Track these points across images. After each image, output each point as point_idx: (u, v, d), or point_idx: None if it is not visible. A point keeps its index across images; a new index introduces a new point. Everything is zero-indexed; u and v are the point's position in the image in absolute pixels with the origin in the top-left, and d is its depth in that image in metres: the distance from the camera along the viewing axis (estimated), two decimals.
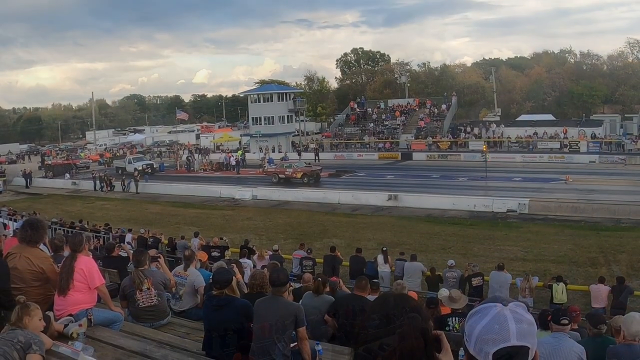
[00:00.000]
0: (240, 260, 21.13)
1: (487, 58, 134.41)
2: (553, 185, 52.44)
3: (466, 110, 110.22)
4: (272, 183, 61.32)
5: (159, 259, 12.68)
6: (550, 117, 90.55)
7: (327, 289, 13.63)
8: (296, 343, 8.85)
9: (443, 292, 14.80)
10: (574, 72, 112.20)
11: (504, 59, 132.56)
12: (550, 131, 78.92)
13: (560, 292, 21.22)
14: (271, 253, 26.01)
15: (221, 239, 29.41)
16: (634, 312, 9.90)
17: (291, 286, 12.95)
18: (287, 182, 60.31)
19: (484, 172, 57.09)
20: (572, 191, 48.68)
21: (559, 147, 74.85)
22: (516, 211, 42.49)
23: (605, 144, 73.53)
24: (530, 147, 76.52)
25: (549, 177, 55.98)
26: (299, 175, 60.69)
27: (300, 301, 11.95)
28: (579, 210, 41.85)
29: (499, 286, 21.64)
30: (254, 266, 21.91)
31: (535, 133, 78.91)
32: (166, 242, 31.97)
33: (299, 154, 79.68)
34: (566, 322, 9.16)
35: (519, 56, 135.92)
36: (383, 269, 25.69)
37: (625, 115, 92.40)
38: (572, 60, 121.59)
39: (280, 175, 61.96)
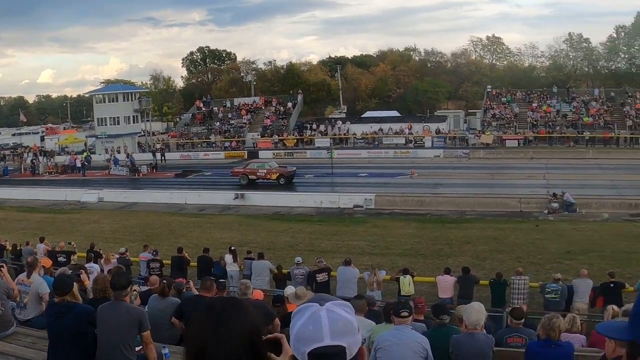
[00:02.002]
0: (87, 265, 20.73)
1: (333, 56, 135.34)
2: (399, 180, 53.59)
3: (312, 108, 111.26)
4: (118, 185, 60.02)
5: (1, 268, 12.22)
6: (395, 113, 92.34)
7: (174, 291, 13.61)
8: (141, 347, 8.91)
9: (289, 290, 15.13)
10: (419, 70, 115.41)
11: (349, 57, 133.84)
12: (395, 127, 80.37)
13: (407, 285, 21.41)
14: (118, 256, 25.45)
15: (69, 243, 28.52)
16: (475, 302, 10.56)
17: (135, 290, 13.29)
18: (253, 184, 55.59)
19: (330, 169, 57.44)
20: (418, 185, 49.92)
21: (404, 142, 76.67)
22: (362, 206, 43.16)
23: (449, 139, 76.02)
24: (376, 143, 77.90)
25: (394, 172, 57.09)
26: (274, 177, 55.56)
27: (147, 304, 12.18)
28: (424, 204, 42.91)
29: (346, 281, 21.74)
30: (101, 270, 21.19)
31: (381, 129, 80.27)
32: (11, 248, 30.58)
33: (154, 154, 77.76)
34: (406, 314, 9.21)
35: (364, 54, 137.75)
36: (232, 268, 25.43)
37: (469, 110, 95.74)
38: (416, 57, 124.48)
39: (250, 177, 55.92)
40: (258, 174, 55.91)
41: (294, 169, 57.63)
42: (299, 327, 2.57)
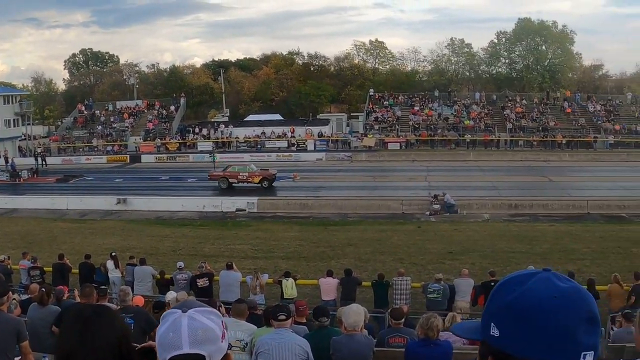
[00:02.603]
0: None
1: (216, 59, 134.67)
2: (281, 184, 53.67)
3: (195, 112, 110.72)
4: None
5: None
6: (278, 117, 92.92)
7: (53, 299, 13.30)
8: (20, 357, 8.64)
9: (170, 295, 15.29)
10: (302, 73, 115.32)
11: (233, 60, 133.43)
12: (278, 130, 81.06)
13: (290, 287, 21.47)
14: None
15: None
16: (353, 304, 10.98)
17: (15, 299, 12.81)
18: (231, 188, 52.91)
19: None
20: (300, 189, 50.33)
21: (286, 146, 76.97)
22: (245, 210, 43.19)
23: (332, 142, 76.59)
24: (259, 146, 78.28)
25: (277, 176, 56.76)
26: (256, 180, 52.45)
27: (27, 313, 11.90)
28: (307, 207, 43.20)
29: (228, 285, 21.85)
30: None
31: (264, 132, 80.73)
32: None
33: (35, 159, 75.41)
34: (283, 317, 9.31)
35: (248, 57, 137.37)
36: (114, 274, 25.07)
37: (352, 114, 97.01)
38: (300, 61, 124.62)
39: (231, 180, 52.98)
40: (239, 177, 53.22)
41: (276, 171, 55.44)
42: (161, 333, 2.49)
